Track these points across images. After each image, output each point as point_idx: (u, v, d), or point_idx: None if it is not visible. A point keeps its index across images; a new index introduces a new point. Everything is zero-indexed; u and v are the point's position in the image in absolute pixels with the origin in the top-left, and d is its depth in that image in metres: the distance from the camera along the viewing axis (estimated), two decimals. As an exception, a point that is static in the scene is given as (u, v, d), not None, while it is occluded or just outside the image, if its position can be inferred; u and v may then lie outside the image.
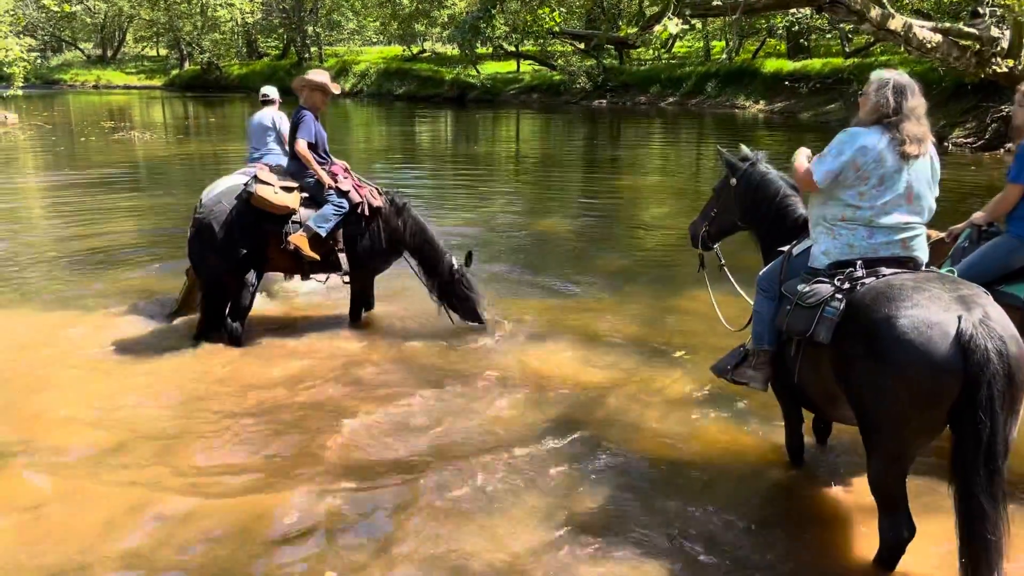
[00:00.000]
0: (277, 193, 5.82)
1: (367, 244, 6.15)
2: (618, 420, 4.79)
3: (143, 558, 3.49)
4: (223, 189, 6.04)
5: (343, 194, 6.02)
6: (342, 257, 6.07)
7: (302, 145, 5.99)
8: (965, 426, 2.93)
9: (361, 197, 6.08)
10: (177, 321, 6.42)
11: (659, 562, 3.44)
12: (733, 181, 4.41)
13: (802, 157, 3.77)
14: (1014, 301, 3.92)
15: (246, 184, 5.87)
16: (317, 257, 5.93)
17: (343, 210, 5.98)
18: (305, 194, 6.03)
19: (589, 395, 5.13)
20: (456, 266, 6.20)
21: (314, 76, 6.18)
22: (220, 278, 5.89)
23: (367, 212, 6.08)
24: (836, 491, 4.00)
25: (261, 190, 5.76)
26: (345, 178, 6.13)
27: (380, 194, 6.24)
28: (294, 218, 5.91)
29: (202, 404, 5.03)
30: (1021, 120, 4.33)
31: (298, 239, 5.84)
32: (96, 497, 3.95)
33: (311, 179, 6.05)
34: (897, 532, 3.21)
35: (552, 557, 3.48)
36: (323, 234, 5.90)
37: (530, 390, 5.22)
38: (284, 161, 6.95)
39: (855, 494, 3.91)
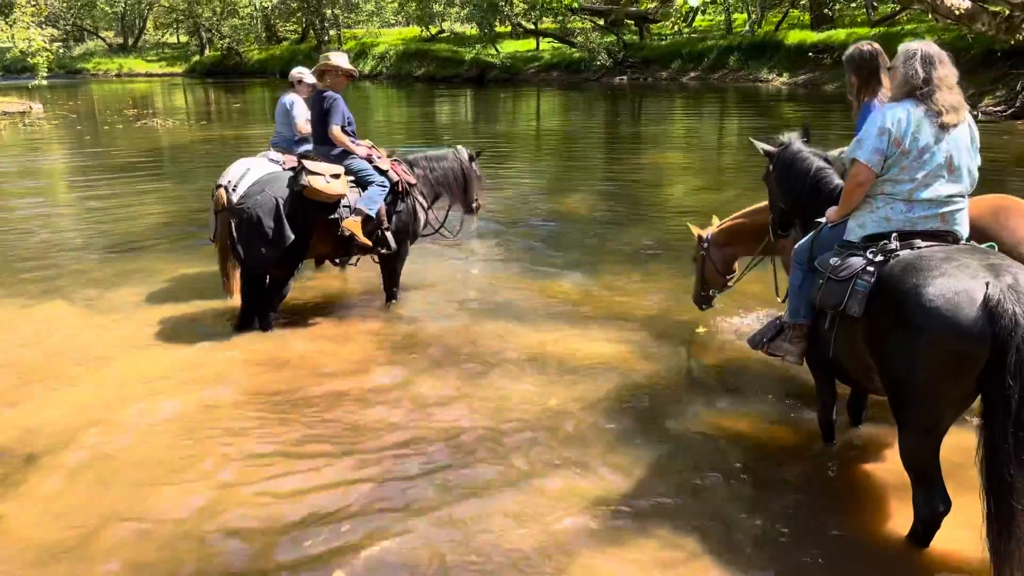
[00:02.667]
0: (329, 183, 5.80)
1: (405, 219, 6.29)
2: (646, 400, 4.76)
3: (160, 544, 3.55)
4: (263, 177, 5.99)
5: (383, 172, 6.15)
6: (388, 235, 6.16)
7: (336, 130, 6.11)
8: (994, 392, 2.89)
9: (398, 175, 6.23)
10: (207, 306, 6.45)
11: (693, 541, 3.42)
12: (771, 167, 4.42)
13: (844, 197, 3.64)
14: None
15: (294, 175, 5.80)
16: (369, 242, 6.03)
17: (387, 188, 6.11)
18: (351, 178, 6.07)
19: (614, 375, 5.11)
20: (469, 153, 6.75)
21: (337, 61, 6.24)
22: (267, 269, 5.87)
23: (405, 189, 6.24)
24: (870, 467, 3.96)
25: (314, 181, 5.72)
26: (380, 157, 6.27)
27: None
28: (344, 203, 5.95)
29: (233, 390, 5.07)
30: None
31: (352, 224, 5.90)
32: (120, 477, 4.01)
33: (353, 162, 6.13)
34: (932, 506, 3.18)
35: (578, 540, 3.48)
36: (373, 215, 5.99)
37: (554, 370, 5.21)
38: (292, 144, 7.04)
39: (889, 471, 3.87)
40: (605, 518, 3.60)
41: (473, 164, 6.75)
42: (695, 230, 5.68)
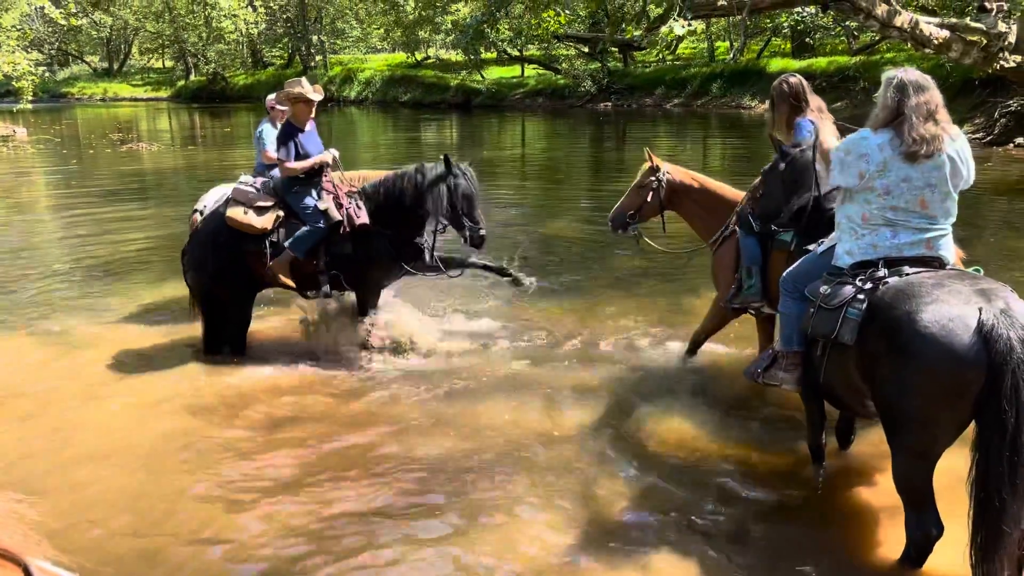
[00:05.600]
0: (247, 214, 5.69)
1: (360, 261, 5.82)
2: (633, 426, 4.74)
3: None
4: (212, 207, 6.05)
5: (321, 214, 5.71)
6: (322, 279, 5.84)
7: (269, 154, 5.84)
8: (990, 417, 2.91)
9: (341, 215, 5.74)
10: (191, 333, 6.40)
11: (684, 562, 3.41)
12: (782, 165, 4.41)
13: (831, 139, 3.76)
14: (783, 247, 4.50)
15: (224, 204, 5.83)
16: (292, 284, 5.78)
17: (318, 231, 5.69)
18: (281, 212, 5.76)
19: (601, 400, 5.10)
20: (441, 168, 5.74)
21: (292, 87, 5.86)
22: (208, 293, 5.87)
23: (348, 229, 5.74)
24: (860, 490, 3.96)
25: (232, 211, 5.70)
26: (328, 193, 5.80)
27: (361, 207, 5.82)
28: (271, 239, 5.71)
29: (211, 418, 5.02)
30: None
31: (277, 265, 5.70)
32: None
33: (295, 198, 5.75)
34: (925, 530, 3.17)
35: (569, 558, 3.46)
36: (300, 257, 5.72)
37: (540, 396, 5.19)
38: (263, 171, 6.93)
39: (879, 493, 3.87)
40: (594, 546, 3.57)
41: (444, 177, 5.71)
42: (655, 158, 5.56)
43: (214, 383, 5.48)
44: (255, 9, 42.61)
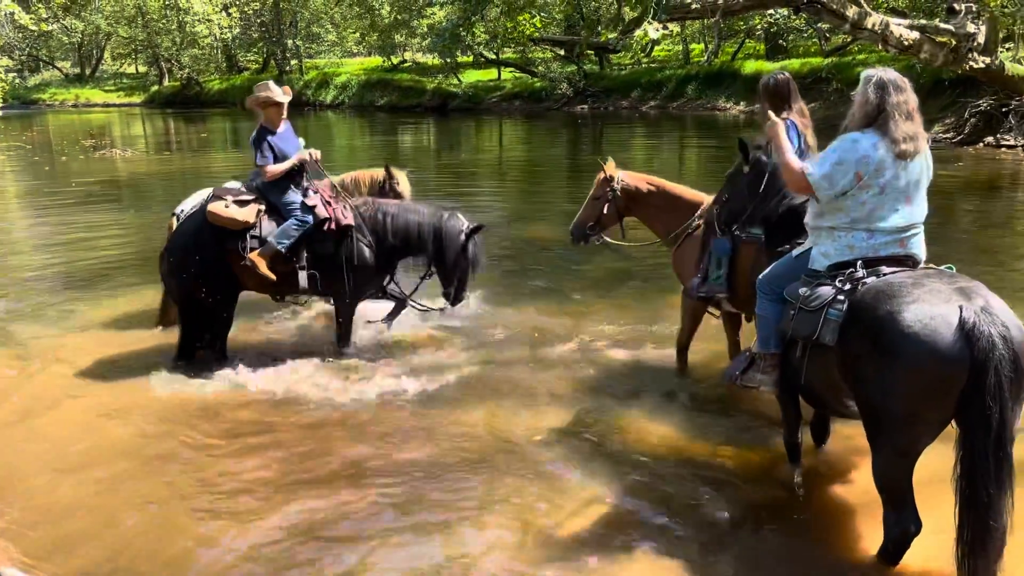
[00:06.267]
0: (229, 207, 5.63)
1: (340, 262, 5.79)
2: (612, 427, 4.76)
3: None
4: (191, 207, 5.97)
5: (309, 209, 5.75)
6: (302, 275, 5.78)
7: (268, 167, 5.68)
8: (974, 414, 2.94)
9: (329, 213, 5.77)
10: (162, 341, 6.34)
11: (661, 562, 3.42)
12: (746, 168, 4.40)
13: (789, 150, 3.71)
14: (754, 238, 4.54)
15: (205, 202, 5.78)
16: (273, 276, 5.69)
17: (306, 226, 5.69)
18: (262, 206, 5.74)
19: (579, 402, 5.11)
20: (466, 225, 5.83)
21: (260, 91, 5.83)
22: (189, 296, 5.78)
23: (334, 228, 5.75)
24: (836, 487, 4.00)
25: (214, 205, 5.64)
26: (315, 192, 5.86)
27: (356, 206, 5.91)
28: (252, 233, 5.66)
29: (187, 423, 4.97)
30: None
31: (256, 257, 5.62)
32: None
33: (278, 195, 5.75)
34: (903, 526, 3.21)
35: (534, 565, 3.46)
36: (283, 250, 5.66)
37: (518, 398, 5.19)
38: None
39: (855, 490, 3.91)
40: (572, 546, 3.58)
41: (467, 237, 5.81)
42: (607, 168, 5.56)
43: (180, 391, 5.41)
44: (229, 14, 42.28)
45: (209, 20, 41.20)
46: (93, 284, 8.01)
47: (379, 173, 7.02)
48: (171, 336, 6.29)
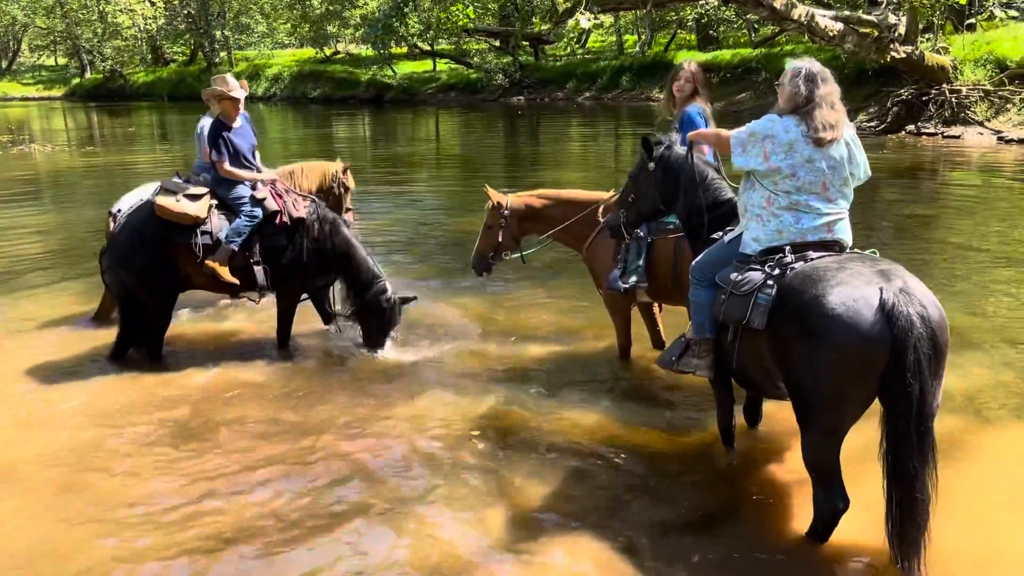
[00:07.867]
0: (179, 202, 5.49)
1: (291, 257, 5.72)
2: (550, 416, 4.78)
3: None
4: (134, 201, 5.78)
5: (258, 202, 5.67)
6: (258, 270, 5.68)
7: (225, 165, 5.64)
8: (896, 391, 3.04)
9: (279, 206, 5.70)
10: (92, 341, 6.13)
11: (597, 552, 3.45)
12: (651, 166, 4.34)
13: (712, 131, 4.11)
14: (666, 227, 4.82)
15: (153, 194, 5.61)
16: (237, 282, 5.61)
17: (255, 220, 5.61)
18: (215, 201, 5.66)
19: (525, 391, 5.12)
20: (389, 293, 5.86)
21: (217, 85, 5.79)
22: (131, 293, 5.60)
23: (286, 221, 5.68)
24: (769, 468, 4.09)
25: (162, 199, 5.48)
26: (264, 185, 5.79)
27: (305, 204, 5.85)
28: (203, 228, 5.55)
29: (131, 420, 4.82)
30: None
31: (214, 264, 5.52)
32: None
33: (228, 189, 5.68)
34: (832, 504, 3.30)
35: (495, 556, 3.46)
36: (236, 249, 5.57)
37: (463, 390, 5.17)
38: (203, 171, 6.68)
39: (786, 470, 4.00)
40: (514, 534, 3.59)
41: (390, 304, 5.85)
42: (494, 196, 5.56)
43: (112, 392, 5.24)
44: (154, 4, 41.00)
45: (132, 10, 39.92)
46: (12, 285, 7.68)
47: (332, 166, 6.93)
48: (97, 337, 6.10)
